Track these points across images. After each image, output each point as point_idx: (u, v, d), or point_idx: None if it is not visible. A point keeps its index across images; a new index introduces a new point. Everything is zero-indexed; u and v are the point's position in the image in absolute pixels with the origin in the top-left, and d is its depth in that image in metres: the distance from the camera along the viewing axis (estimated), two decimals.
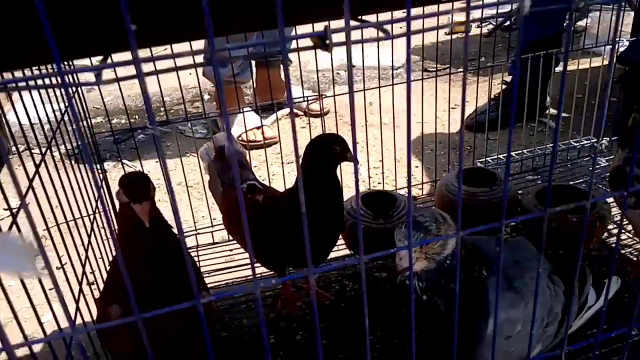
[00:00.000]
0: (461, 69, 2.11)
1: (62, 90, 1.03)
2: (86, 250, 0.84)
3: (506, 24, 2.85)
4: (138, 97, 2.33)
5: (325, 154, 0.91)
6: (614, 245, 1.22)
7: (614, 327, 0.75)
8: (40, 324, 0.62)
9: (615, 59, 1.60)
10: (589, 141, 1.57)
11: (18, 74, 0.58)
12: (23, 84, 0.35)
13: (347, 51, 0.34)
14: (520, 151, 1.49)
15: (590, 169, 1.48)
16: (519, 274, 0.77)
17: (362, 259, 0.42)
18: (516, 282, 0.75)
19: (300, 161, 0.96)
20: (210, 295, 0.37)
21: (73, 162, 0.93)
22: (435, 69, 1.73)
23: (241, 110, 1.32)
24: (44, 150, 0.77)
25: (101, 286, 0.89)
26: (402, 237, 0.71)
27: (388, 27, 0.37)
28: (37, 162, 0.73)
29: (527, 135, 1.73)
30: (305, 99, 1.33)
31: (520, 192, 1.25)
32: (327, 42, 0.34)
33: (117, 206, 0.73)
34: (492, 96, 1.74)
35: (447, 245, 0.71)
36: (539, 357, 0.57)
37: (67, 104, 0.91)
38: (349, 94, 0.34)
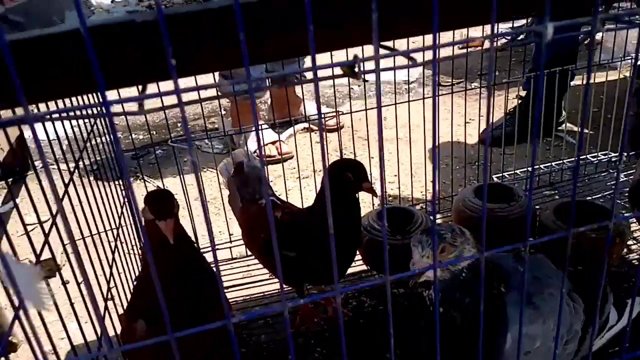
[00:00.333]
0: (475, 84, 2.12)
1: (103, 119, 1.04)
2: (110, 267, 0.86)
3: (519, 38, 2.85)
4: (154, 113, 2.37)
5: (339, 182, 0.91)
6: (634, 262, 1.20)
7: (638, 346, 0.74)
8: (69, 337, 0.63)
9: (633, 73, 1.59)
10: (606, 156, 1.56)
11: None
12: (61, 114, 0.37)
13: (377, 79, 0.35)
14: (537, 166, 1.49)
15: (609, 184, 1.47)
16: (538, 291, 0.77)
17: (388, 279, 0.43)
18: (535, 298, 0.76)
19: (321, 182, 0.97)
20: (240, 315, 0.38)
21: (92, 178, 0.95)
22: (450, 84, 1.73)
23: (260, 127, 1.34)
24: (63, 166, 0.79)
25: (121, 302, 0.90)
26: (417, 242, 0.71)
27: (414, 54, 0.38)
28: (63, 179, 0.75)
29: (544, 150, 1.73)
30: (323, 115, 1.34)
31: (537, 207, 1.24)
32: (357, 70, 0.36)
33: (142, 223, 0.74)
34: (508, 111, 1.74)
35: (461, 257, 0.72)
36: None
37: (94, 129, 0.93)
38: (378, 125, 0.35)
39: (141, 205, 0.73)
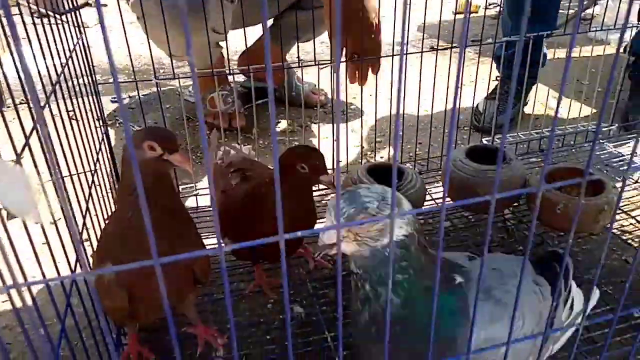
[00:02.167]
0: (465, 48, 2.07)
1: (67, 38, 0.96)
2: (87, 202, 0.81)
3: None
4: (137, 57, 2.27)
5: (292, 172, 0.83)
6: (616, 232, 1.21)
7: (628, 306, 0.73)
8: (44, 275, 0.59)
9: (622, 46, 1.57)
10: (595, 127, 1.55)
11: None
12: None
13: None
14: (528, 132, 1.47)
15: (597, 153, 1.46)
16: (499, 282, 0.66)
17: (393, 215, 0.40)
18: (496, 291, 0.65)
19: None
20: (233, 244, 0.34)
21: (71, 117, 0.89)
22: (450, 46, 1.69)
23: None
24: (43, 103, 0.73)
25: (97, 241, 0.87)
26: (331, 207, 0.58)
27: None
28: (35, 115, 0.69)
29: (534, 120, 1.72)
30: (318, 63, 1.27)
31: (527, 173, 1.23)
32: None
33: (130, 163, 0.69)
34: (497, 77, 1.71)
35: (387, 232, 0.57)
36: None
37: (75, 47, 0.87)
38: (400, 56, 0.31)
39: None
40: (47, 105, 0.68)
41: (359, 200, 0.57)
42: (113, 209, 1.03)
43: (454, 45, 1.49)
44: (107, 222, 0.87)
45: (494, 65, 1.63)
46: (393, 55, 1.29)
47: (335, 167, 0.33)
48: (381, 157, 1.54)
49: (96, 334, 0.74)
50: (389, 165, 1.18)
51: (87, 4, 2.87)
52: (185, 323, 0.92)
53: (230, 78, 1.69)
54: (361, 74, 1.31)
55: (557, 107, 0.42)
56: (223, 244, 0.36)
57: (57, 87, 0.76)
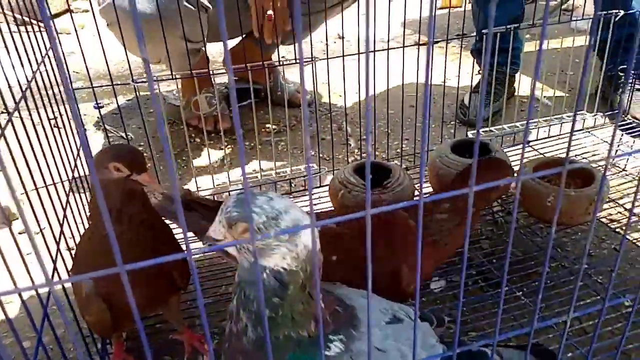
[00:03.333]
0: (432, 45, 2.07)
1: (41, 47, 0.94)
2: (64, 209, 0.79)
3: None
4: (119, 63, 2.24)
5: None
6: (604, 220, 1.21)
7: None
8: (20, 295, 0.57)
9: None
10: (582, 116, 1.55)
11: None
12: None
13: None
14: (513, 124, 1.47)
15: (582, 143, 1.46)
16: None
17: (369, 212, 0.39)
18: None
19: None
20: (204, 247, 0.33)
21: (48, 126, 0.87)
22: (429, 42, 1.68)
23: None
24: (15, 112, 0.71)
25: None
26: (226, 202, 0.52)
27: None
28: (4, 125, 0.67)
29: (519, 111, 1.71)
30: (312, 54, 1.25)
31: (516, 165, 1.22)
32: None
33: (98, 184, 0.67)
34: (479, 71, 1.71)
35: (270, 254, 0.49)
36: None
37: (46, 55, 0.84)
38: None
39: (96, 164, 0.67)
40: (16, 112, 0.66)
41: (249, 207, 0.52)
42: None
43: (436, 40, 1.48)
44: (82, 237, 0.86)
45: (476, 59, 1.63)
46: (375, 51, 1.27)
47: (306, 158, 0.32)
48: (367, 155, 1.53)
49: (79, 346, 0.72)
50: (376, 163, 1.16)
51: (68, 10, 2.83)
52: (172, 330, 0.91)
53: (214, 80, 1.66)
54: (276, 28, 1.44)
55: (532, 89, 0.41)
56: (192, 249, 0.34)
57: (29, 94, 0.74)
